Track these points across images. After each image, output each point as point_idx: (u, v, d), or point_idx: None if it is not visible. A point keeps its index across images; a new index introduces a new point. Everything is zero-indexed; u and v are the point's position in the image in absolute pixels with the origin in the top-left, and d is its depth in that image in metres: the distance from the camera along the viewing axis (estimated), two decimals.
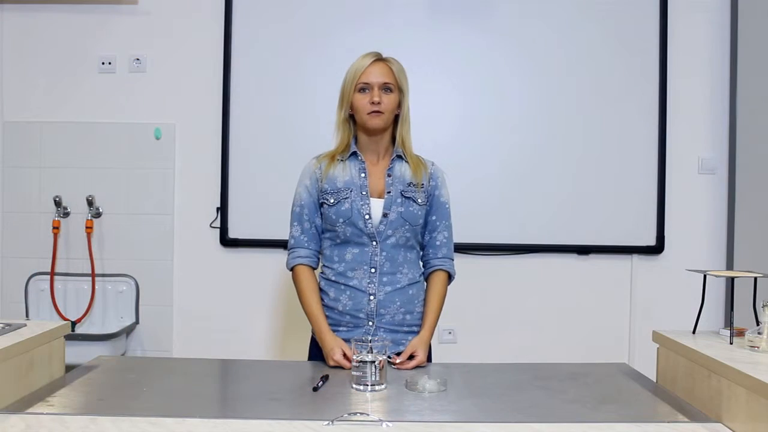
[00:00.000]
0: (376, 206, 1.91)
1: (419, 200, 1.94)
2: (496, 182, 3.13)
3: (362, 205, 1.90)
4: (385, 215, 1.90)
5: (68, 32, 3.17)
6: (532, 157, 3.13)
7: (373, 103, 1.86)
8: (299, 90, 3.12)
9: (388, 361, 1.83)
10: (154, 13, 3.17)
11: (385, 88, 1.88)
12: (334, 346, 1.81)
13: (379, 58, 1.90)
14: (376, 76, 1.87)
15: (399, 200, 1.91)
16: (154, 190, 3.17)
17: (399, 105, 1.93)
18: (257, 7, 3.13)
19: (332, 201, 1.91)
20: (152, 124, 3.16)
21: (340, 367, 1.78)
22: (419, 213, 1.94)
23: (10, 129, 3.18)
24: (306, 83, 3.11)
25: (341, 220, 1.89)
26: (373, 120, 1.88)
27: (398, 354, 1.88)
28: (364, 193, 1.91)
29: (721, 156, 3.18)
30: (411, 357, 1.85)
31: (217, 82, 3.13)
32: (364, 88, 1.87)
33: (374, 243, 1.91)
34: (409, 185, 1.93)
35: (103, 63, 3.17)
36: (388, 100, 1.88)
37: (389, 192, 1.92)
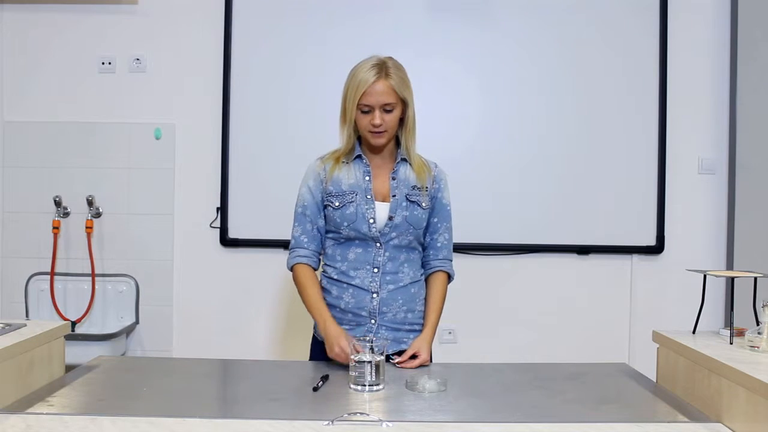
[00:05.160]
0: (381, 210, 1.91)
1: (423, 204, 1.94)
2: (496, 182, 3.13)
3: (367, 209, 1.90)
4: (390, 218, 1.90)
5: (68, 32, 3.17)
6: (532, 156, 3.13)
7: (374, 125, 1.85)
8: (299, 90, 3.12)
9: (390, 361, 1.83)
10: (154, 13, 3.17)
11: (386, 109, 1.85)
12: (341, 335, 1.79)
13: (380, 75, 1.83)
14: (377, 97, 1.83)
15: (404, 204, 1.92)
16: (154, 190, 3.17)
17: (403, 111, 1.90)
18: (257, 7, 3.13)
19: (337, 204, 1.91)
20: (152, 124, 3.16)
21: (339, 365, 1.77)
22: (423, 217, 1.95)
23: (10, 129, 3.18)
24: (306, 83, 3.11)
25: (345, 223, 1.90)
26: (375, 139, 1.89)
27: (400, 353, 1.88)
28: (368, 196, 1.91)
29: (721, 156, 3.18)
30: (413, 357, 1.85)
31: (217, 82, 3.13)
32: (365, 110, 1.85)
33: (378, 245, 1.92)
34: (414, 188, 1.94)
35: (103, 63, 3.17)
36: (389, 119, 1.86)
37: (394, 195, 1.92)
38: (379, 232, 1.90)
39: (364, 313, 1.92)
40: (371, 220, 1.90)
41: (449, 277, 2.03)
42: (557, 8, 3.13)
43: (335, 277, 1.94)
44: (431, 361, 1.93)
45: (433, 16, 3.12)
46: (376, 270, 1.92)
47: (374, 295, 1.92)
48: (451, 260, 2.03)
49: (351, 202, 1.90)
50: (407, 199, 1.92)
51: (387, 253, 1.92)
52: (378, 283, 1.92)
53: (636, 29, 3.13)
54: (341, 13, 3.12)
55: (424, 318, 1.99)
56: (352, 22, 3.11)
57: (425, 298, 2.01)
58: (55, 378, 1.70)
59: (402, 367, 1.82)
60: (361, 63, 1.88)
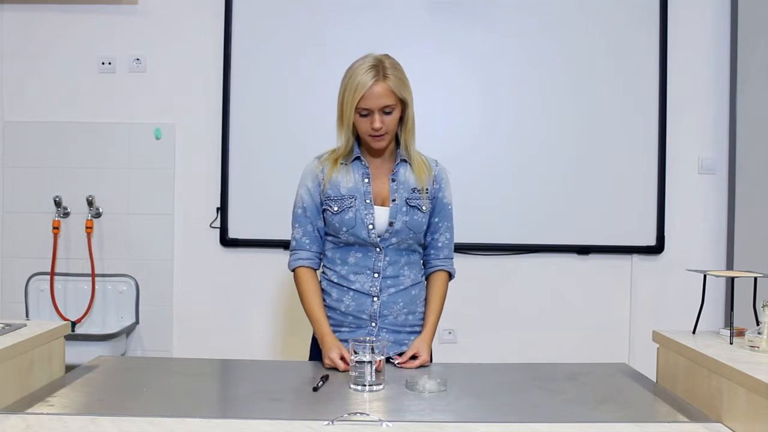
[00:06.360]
0: (381, 215, 1.89)
1: (423, 208, 1.92)
2: (496, 182, 3.13)
3: (366, 214, 1.88)
4: (390, 224, 1.89)
5: (68, 32, 3.17)
6: (531, 156, 3.13)
7: (374, 128, 1.82)
8: (299, 89, 3.12)
9: (390, 361, 1.83)
10: (154, 13, 3.17)
11: (386, 111, 1.82)
12: (333, 347, 1.81)
13: (377, 77, 1.79)
14: (376, 99, 1.79)
15: (404, 209, 1.89)
16: (154, 190, 3.17)
17: (403, 111, 1.87)
18: (257, 7, 3.13)
19: (336, 209, 1.88)
20: (152, 124, 3.16)
21: (335, 369, 1.77)
22: (423, 221, 1.93)
23: (10, 129, 3.18)
24: (306, 82, 3.11)
25: (345, 228, 1.88)
26: (375, 143, 1.86)
27: (401, 354, 1.88)
28: (368, 201, 1.89)
29: (721, 156, 3.18)
30: (414, 357, 1.85)
31: (217, 82, 3.13)
32: (364, 114, 1.82)
33: (377, 249, 1.91)
34: (414, 191, 1.91)
35: (103, 63, 3.17)
36: (389, 121, 1.83)
37: (394, 200, 1.90)
38: (379, 237, 1.89)
39: (364, 316, 1.92)
40: (370, 226, 1.88)
41: (450, 276, 2.02)
42: (557, 8, 3.13)
43: (335, 280, 1.94)
44: (431, 361, 1.93)
45: (433, 16, 3.12)
46: (376, 275, 1.91)
47: (375, 299, 1.91)
48: (452, 258, 2.02)
49: (350, 207, 1.88)
50: (407, 203, 1.90)
51: (387, 258, 1.91)
52: (378, 287, 1.91)
53: (636, 29, 3.13)
54: (341, 13, 3.12)
55: (424, 318, 1.98)
56: (352, 22, 3.11)
57: (425, 298, 2.00)
58: (55, 378, 1.70)
59: (402, 368, 1.82)
60: (357, 64, 1.83)
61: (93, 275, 3.13)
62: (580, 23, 3.13)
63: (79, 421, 1.34)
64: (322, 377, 1.66)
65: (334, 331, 1.90)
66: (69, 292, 3.15)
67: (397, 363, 1.83)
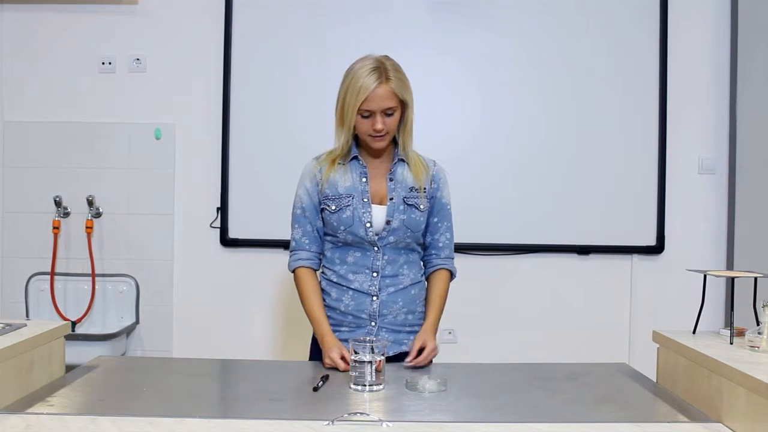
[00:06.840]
0: (378, 213, 1.89)
1: (421, 206, 1.92)
2: (496, 182, 3.13)
3: (363, 212, 1.88)
4: (388, 222, 1.89)
5: (68, 32, 3.17)
6: (531, 156, 3.13)
7: (376, 130, 1.83)
8: (299, 89, 3.12)
9: (402, 362, 1.83)
10: (154, 13, 3.17)
11: (387, 113, 1.83)
12: (333, 347, 1.81)
13: (380, 80, 1.79)
14: (379, 102, 1.80)
15: (402, 207, 1.90)
16: (154, 190, 3.17)
17: (403, 112, 1.87)
18: (257, 8, 3.13)
19: (334, 208, 1.89)
20: (152, 124, 3.16)
21: (335, 369, 1.77)
22: (421, 219, 1.93)
23: (10, 129, 3.18)
24: (306, 82, 3.11)
25: (342, 227, 1.89)
26: (375, 143, 1.87)
27: (400, 355, 1.88)
28: (365, 200, 1.89)
29: (721, 156, 3.18)
30: (420, 351, 1.83)
31: (217, 82, 3.13)
32: (366, 116, 1.82)
33: (375, 248, 1.91)
34: (411, 190, 1.92)
35: (103, 63, 3.17)
36: (390, 122, 1.84)
37: (392, 198, 1.90)
38: (377, 235, 1.89)
39: (364, 316, 1.92)
40: (368, 224, 1.88)
41: (451, 275, 2.02)
42: (557, 8, 3.13)
43: (334, 280, 1.94)
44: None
45: (433, 16, 3.12)
46: (375, 274, 1.91)
47: (374, 298, 1.91)
48: (453, 258, 2.02)
49: (347, 206, 1.88)
50: (405, 202, 1.91)
51: (386, 257, 1.91)
52: (377, 286, 1.91)
53: (636, 29, 3.13)
54: (341, 13, 3.12)
55: (424, 317, 1.98)
56: (352, 23, 3.11)
57: (426, 296, 2.00)
58: (55, 378, 1.70)
59: (415, 365, 1.79)
60: (358, 66, 1.83)
61: (93, 275, 3.13)
62: (580, 23, 3.13)
63: (79, 421, 1.34)
64: (322, 377, 1.66)
65: (334, 331, 1.90)
66: (69, 292, 3.15)
67: (408, 361, 1.81)
